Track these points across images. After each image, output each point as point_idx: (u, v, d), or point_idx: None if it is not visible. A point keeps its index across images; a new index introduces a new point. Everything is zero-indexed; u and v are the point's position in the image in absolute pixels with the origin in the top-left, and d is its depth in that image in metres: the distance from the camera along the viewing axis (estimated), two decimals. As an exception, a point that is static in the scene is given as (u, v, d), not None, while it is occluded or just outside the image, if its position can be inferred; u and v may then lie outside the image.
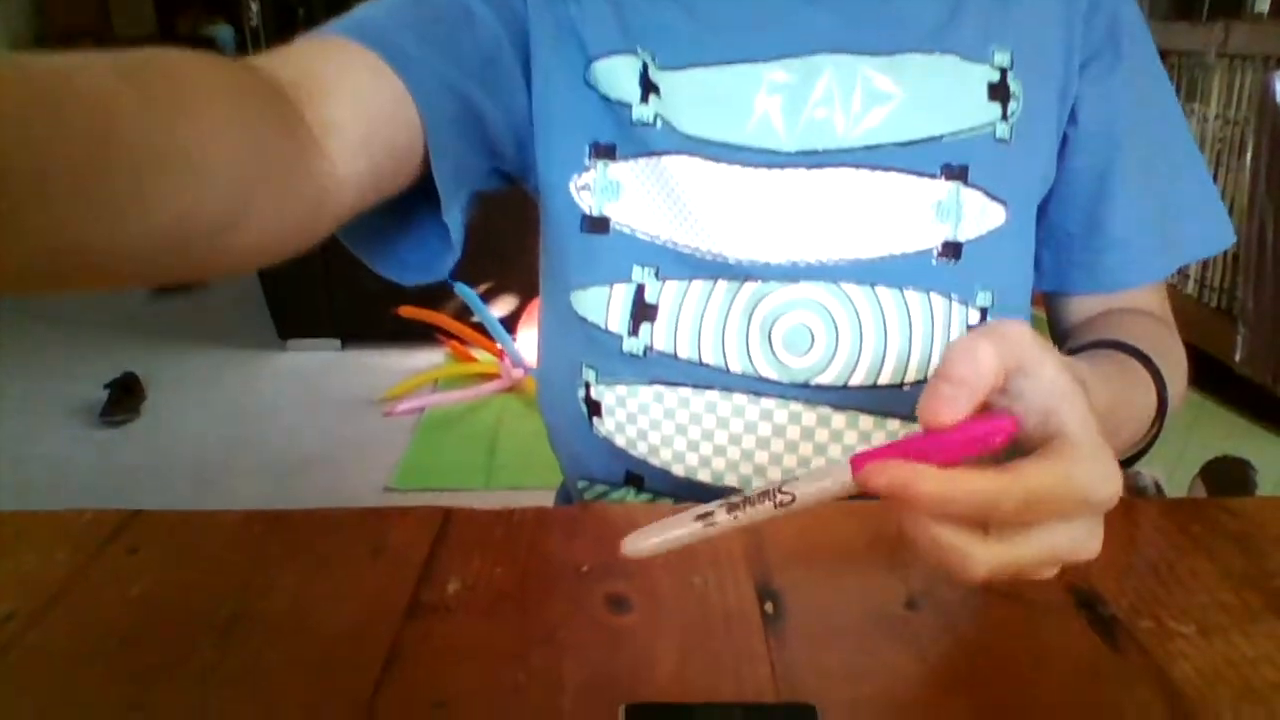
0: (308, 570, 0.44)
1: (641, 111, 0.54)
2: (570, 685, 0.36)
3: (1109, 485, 0.30)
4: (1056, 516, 0.30)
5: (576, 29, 0.55)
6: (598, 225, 0.56)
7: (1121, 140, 0.56)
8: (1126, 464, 0.49)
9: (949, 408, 0.30)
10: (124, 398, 2.29)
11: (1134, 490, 1.36)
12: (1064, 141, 0.57)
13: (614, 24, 0.55)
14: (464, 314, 2.38)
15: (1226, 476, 1.33)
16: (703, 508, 0.32)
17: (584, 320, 0.57)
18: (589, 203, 0.56)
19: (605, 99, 0.55)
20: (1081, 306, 0.60)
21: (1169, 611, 0.41)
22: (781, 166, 0.53)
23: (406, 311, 2.33)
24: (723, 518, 0.31)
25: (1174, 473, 1.42)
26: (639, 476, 0.59)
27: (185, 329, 2.92)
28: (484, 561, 0.45)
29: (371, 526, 0.48)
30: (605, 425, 0.58)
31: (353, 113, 0.44)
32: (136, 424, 2.27)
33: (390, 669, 0.37)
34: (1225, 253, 2.31)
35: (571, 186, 0.56)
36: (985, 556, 0.30)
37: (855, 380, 0.54)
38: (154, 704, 0.36)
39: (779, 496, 0.31)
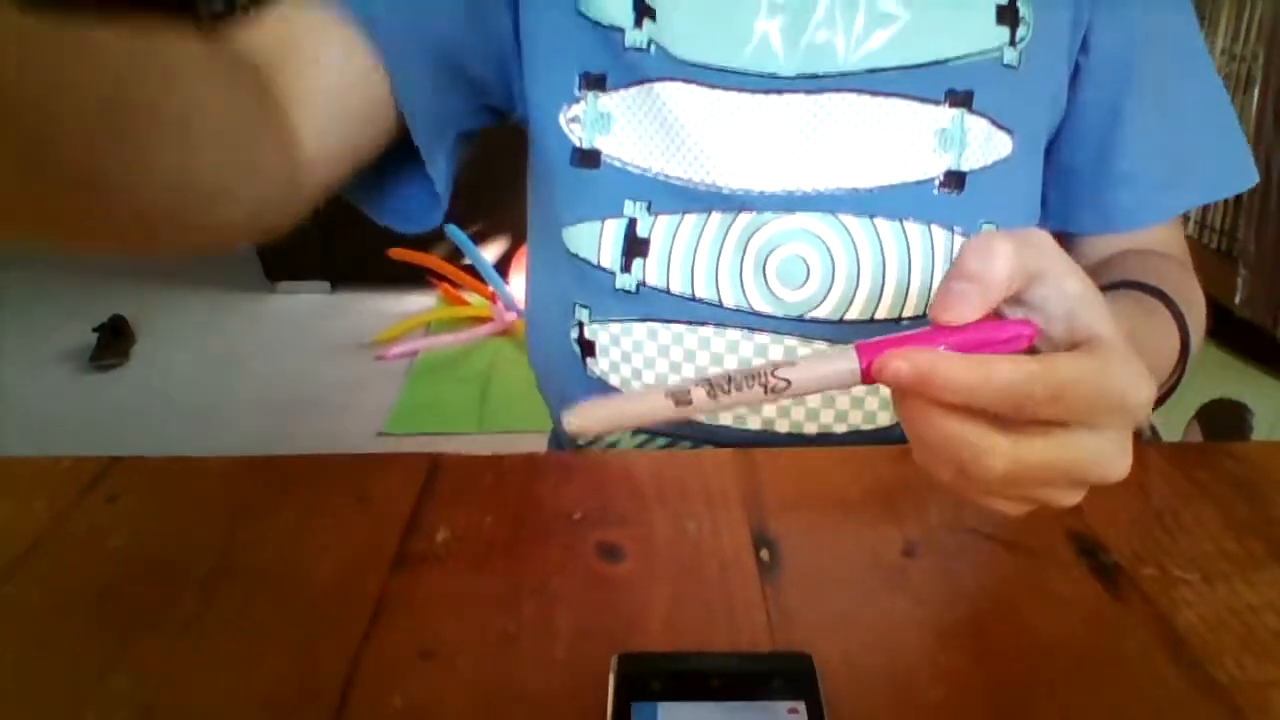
0: (293, 519, 0.43)
1: (634, 37, 0.52)
2: (562, 635, 0.36)
3: (1144, 388, 0.28)
4: (1086, 419, 0.28)
5: None
6: (588, 159, 0.54)
7: (1135, 71, 0.54)
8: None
9: (961, 305, 0.28)
10: (113, 341, 2.27)
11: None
12: (1075, 71, 0.55)
13: None
14: (455, 256, 2.34)
15: (1222, 419, 1.33)
16: (674, 386, 0.29)
17: (575, 257, 0.56)
18: (579, 135, 0.54)
19: (596, 25, 0.53)
20: (1094, 249, 0.58)
21: (1172, 559, 0.40)
22: (780, 91, 0.51)
23: (396, 254, 2.29)
24: (700, 398, 0.28)
25: (1170, 415, 1.42)
26: None
27: (173, 271, 2.88)
28: (473, 509, 0.44)
29: (358, 474, 0.47)
30: (599, 365, 0.57)
31: (322, 91, 0.45)
32: (126, 368, 2.25)
33: (378, 619, 0.37)
34: (1227, 193, 2.28)
35: (561, 118, 0.55)
36: (1005, 449, 0.27)
37: (851, 314, 0.53)
38: (134, 657, 0.35)
39: (771, 380, 0.28)
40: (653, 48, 0.52)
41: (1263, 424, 1.41)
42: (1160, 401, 0.49)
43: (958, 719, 0.32)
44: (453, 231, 2.13)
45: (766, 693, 0.30)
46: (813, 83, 0.51)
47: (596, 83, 0.53)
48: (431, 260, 2.35)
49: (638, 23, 0.52)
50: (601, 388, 0.58)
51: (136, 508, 0.44)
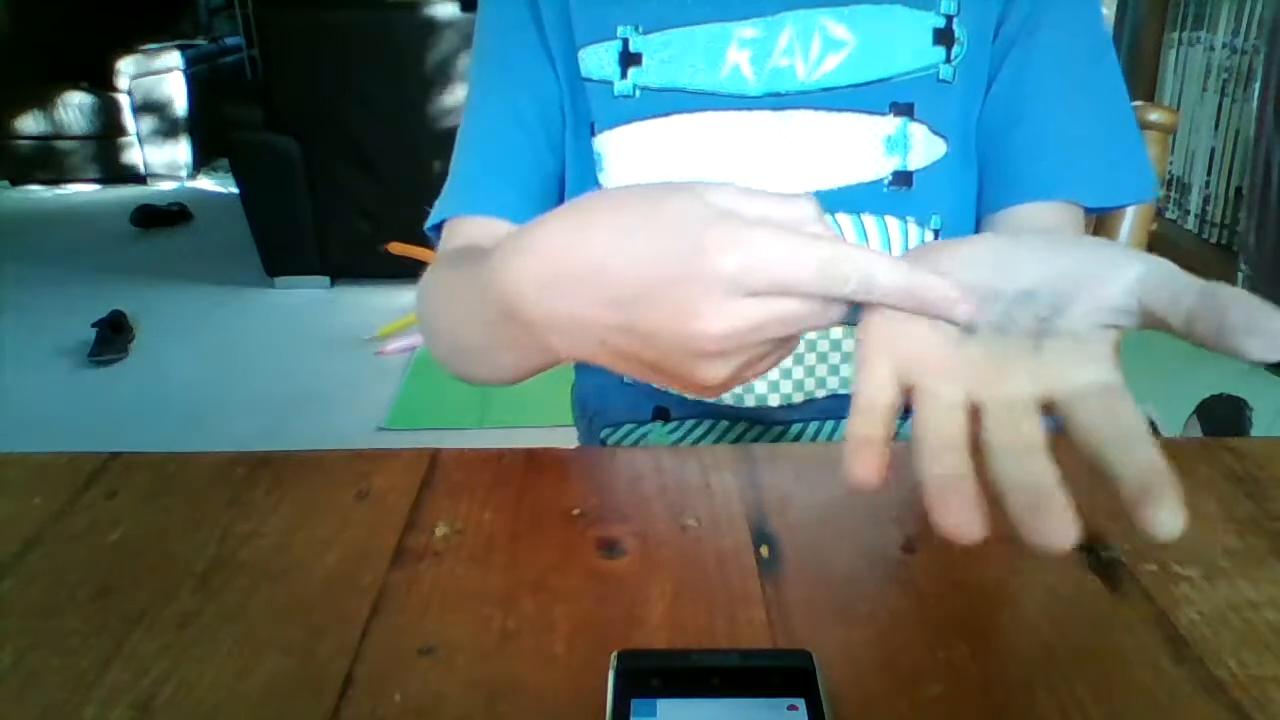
0: (292, 514, 0.43)
1: (622, 86, 0.60)
2: (562, 631, 0.36)
3: None
4: None
5: (572, 28, 0.60)
6: None
7: (1033, 74, 0.57)
8: None
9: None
10: (112, 337, 2.27)
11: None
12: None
13: (599, 12, 0.60)
14: (455, 251, 2.34)
15: (1222, 415, 1.33)
16: None
17: None
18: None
19: (588, 81, 0.60)
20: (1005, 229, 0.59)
21: (1172, 555, 0.40)
22: (750, 109, 0.58)
23: (395, 248, 2.29)
24: None
25: (1170, 411, 1.42)
26: (665, 409, 0.65)
27: (173, 267, 2.88)
28: (473, 505, 0.43)
29: (358, 469, 0.47)
30: None
31: None
32: (125, 363, 2.25)
33: (377, 615, 0.37)
34: (1228, 188, 2.27)
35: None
36: None
37: None
38: (133, 652, 0.35)
39: None
40: (638, 93, 0.59)
41: (1262, 419, 1.41)
42: None
43: (958, 715, 0.32)
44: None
45: (766, 689, 0.30)
46: (777, 100, 0.58)
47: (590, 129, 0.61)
48: (430, 255, 2.35)
49: (624, 74, 0.59)
50: (639, 389, 0.63)
51: (135, 503, 0.44)
